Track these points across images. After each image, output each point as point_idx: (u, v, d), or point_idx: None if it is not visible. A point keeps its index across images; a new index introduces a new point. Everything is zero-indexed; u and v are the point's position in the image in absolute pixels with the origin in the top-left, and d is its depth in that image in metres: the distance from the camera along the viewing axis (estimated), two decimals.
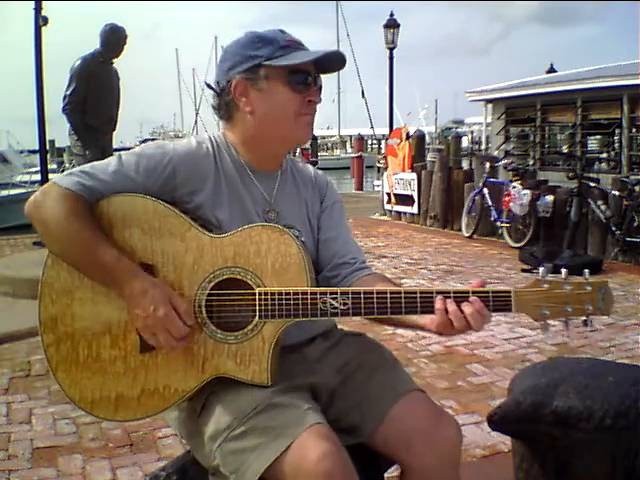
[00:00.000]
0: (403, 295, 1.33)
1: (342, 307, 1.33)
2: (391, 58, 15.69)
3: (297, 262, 1.37)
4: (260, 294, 1.35)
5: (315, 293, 1.34)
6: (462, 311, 1.31)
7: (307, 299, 1.34)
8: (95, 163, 1.46)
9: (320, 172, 1.71)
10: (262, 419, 1.32)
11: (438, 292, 1.33)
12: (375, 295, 1.33)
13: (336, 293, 1.34)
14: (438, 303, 1.32)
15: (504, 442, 2.65)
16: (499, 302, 1.33)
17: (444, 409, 1.55)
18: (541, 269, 1.34)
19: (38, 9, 7.07)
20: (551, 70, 20.75)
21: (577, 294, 1.30)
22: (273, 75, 1.46)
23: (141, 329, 1.35)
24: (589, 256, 6.96)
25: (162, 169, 1.43)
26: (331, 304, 1.33)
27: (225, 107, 1.51)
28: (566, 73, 14.54)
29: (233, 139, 1.54)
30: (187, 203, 1.46)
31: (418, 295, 1.33)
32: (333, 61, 1.51)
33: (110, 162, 1.44)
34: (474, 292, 1.33)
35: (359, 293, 1.33)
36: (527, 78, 13.90)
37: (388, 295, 1.33)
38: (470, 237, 8.57)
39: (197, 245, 1.39)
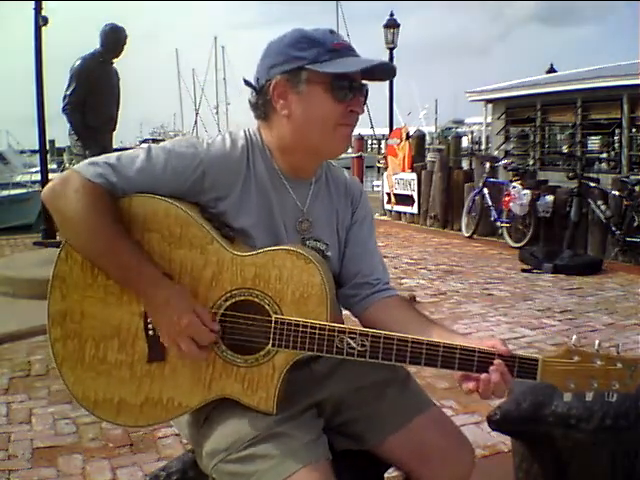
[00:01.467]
0: (425, 347, 1.27)
1: (360, 348, 1.29)
2: (391, 58, 15.65)
3: (319, 294, 1.31)
4: (277, 322, 1.31)
5: (334, 330, 1.29)
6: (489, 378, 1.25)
7: (324, 335, 1.29)
8: (122, 154, 1.37)
9: (355, 179, 1.62)
10: (262, 448, 1.29)
11: (462, 348, 1.27)
12: (395, 342, 1.28)
13: (355, 333, 1.29)
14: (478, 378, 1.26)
15: (504, 442, 2.65)
16: (524, 370, 1.27)
17: (460, 430, 1.53)
18: (574, 337, 1.28)
19: (38, 9, 7.07)
20: (551, 70, 20.76)
21: (606, 370, 1.25)
22: (315, 80, 1.35)
23: (164, 337, 1.31)
24: (589, 256, 6.96)
25: (192, 171, 1.35)
26: (348, 343, 1.29)
27: (262, 107, 1.42)
28: (566, 73, 14.56)
29: (269, 141, 1.45)
30: (212, 208, 1.39)
31: (441, 349, 1.27)
32: (383, 71, 1.40)
33: (138, 156, 1.35)
34: (500, 356, 1.27)
35: (379, 337, 1.28)
36: (527, 78, 13.92)
37: (409, 344, 1.28)
38: (470, 237, 8.57)
39: (217, 260, 1.33)
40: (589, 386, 1.26)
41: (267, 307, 1.33)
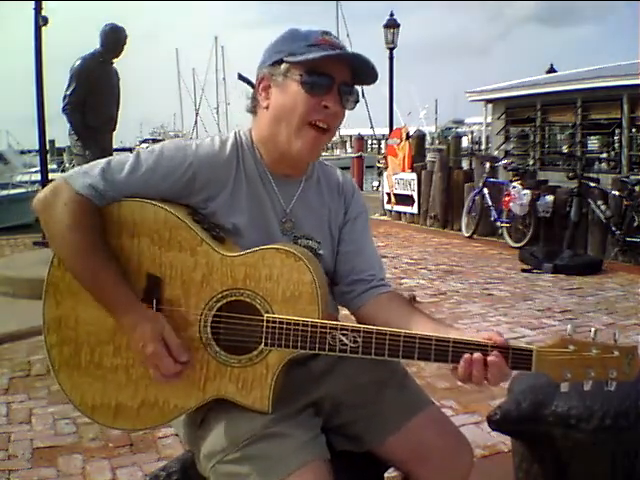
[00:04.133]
0: (418, 341, 1.26)
1: (352, 344, 1.27)
2: (391, 58, 15.68)
3: (310, 292, 1.30)
4: (268, 321, 1.30)
5: (325, 327, 1.28)
6: (486, 365, 1.24)
7: (316, 332, 1.28)
8: (112, 159, 1.39)
9: (348, 178, 1.62)
10: (258, 448, 1.29)
11: (455, 341, 1.26)
12: (388, 337, 1.27)
13: (347, 329, 1.28)
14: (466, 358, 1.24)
15: (504, 442, 2.65)
16: (519, 360, 1.25)
17: (458, 428, 1.52)
18: (569, 326, 1.26)
19: (38, 9, 7.06)
20: (551, 70, 20.77)
21: (603, 358, 1.22)
22: (292, 71, 1.38)
23: (136, 357, 1.34)
24: (589, 256, 6.97)
25: (181, 174, 1.37)
26: (341, 340, 1.28)
27: (252, 101, 1.47)
28: (566, 73, 14.57)
29: (255, 137, 1.47)
30: (202, 209, 1.40)
31: (433, 342, 1.26)
32: (364, 69, 1.39)
33: (127, 161, 1.37)
34: (494, 347, 1.25)
35: (371, 332, 1.27)
36: (527, 78, 13.93)
37: (401, 339, 1.26)
38: (470, 237, 8.57)
39: (207, 262, 1.33)
40: (585, 375, 1.23)
41: (258, 307, 1.32)
